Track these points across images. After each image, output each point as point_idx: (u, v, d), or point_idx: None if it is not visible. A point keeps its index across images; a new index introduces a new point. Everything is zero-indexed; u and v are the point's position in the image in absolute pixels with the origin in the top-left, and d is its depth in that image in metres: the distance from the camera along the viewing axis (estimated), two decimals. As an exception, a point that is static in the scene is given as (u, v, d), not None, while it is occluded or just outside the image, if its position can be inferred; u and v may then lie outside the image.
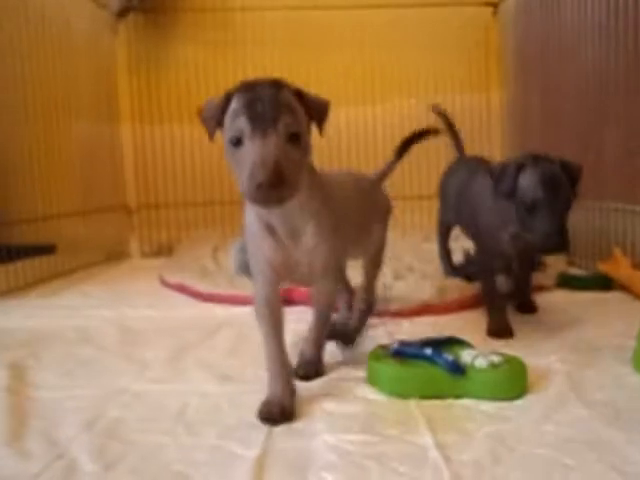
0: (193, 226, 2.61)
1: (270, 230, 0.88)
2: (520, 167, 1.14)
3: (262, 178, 0.71)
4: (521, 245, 1.24)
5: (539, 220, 1.11)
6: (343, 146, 2.64)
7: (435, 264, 1.77)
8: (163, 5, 2.55)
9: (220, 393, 0.93)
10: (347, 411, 0.86)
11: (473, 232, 1.41)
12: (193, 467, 0.70)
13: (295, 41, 2.55)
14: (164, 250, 2.51)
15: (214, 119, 0.81)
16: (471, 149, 2.68)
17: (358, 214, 1.11)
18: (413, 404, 0.87)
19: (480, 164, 1.51)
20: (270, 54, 2.53)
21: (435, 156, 2.50)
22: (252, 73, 2.50)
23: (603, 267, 1.74)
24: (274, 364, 0.90)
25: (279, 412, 0.82)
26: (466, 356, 0.93)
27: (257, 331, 0.92)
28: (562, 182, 1.12)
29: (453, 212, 1.58)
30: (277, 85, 0.80)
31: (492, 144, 2.64)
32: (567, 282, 1.71)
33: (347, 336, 1.18)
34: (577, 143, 1.99)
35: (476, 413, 0.84)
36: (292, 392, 0.88)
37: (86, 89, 2.27)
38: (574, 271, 1.84)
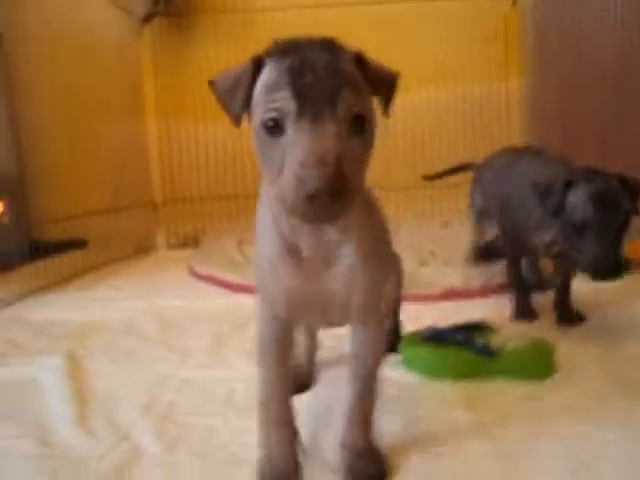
0: (217, 219, 2.66)
1: (292, 249, 0.63)
2: (569, 183, 1.04)
3: (318, 185, 0.49)
4: (557, 255, 1.16)
5: (589, 243, 1.00)
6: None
7: (456, 250, 1.80)
8: (185, 8, 2.60)
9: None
10: (387, 394, 0.86)
11: (504, 222, 1.34)
12: (246, 449, 0.74)
13: None
14: (190, 242, 2.55)
15: (240, 94, 0.58)
16: (490, 137, 2.73)
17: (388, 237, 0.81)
18: (448, 385, 0.91)
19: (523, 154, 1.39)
20: None
21: (452, 146, 2.54)
22: None
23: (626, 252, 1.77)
24: (278, 422, 0.69)
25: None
26: (496, 340, 0.97)
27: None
28: (618, 200, 1.01)
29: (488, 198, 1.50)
30: (332, 47, 0.57)
31: (511, 132, 2.66)
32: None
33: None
34: (595, 132, 2.01)
35: (510, 393, 0.88)
36: (296, 465, 0.68)
37: (114, 91, 2.31)
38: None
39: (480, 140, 2.59)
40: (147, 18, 2.56)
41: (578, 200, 1.01)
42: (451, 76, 2.64)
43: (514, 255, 1.32)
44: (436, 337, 1.00)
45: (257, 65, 0.58)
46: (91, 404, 0.90)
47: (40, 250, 1.82)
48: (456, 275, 1.56)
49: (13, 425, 0.84)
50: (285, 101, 0.52)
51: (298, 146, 0.50)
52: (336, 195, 0.49)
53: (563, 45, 2.20)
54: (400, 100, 2.41)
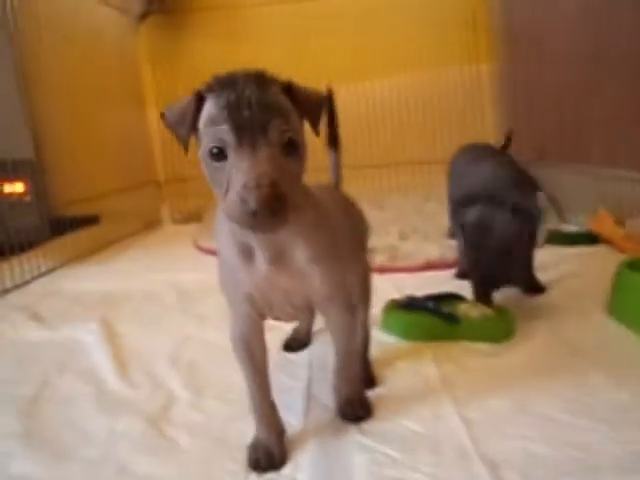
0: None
1: (247, 253, 0.71)
2: (465, 205, 1.21)
3: (258, 204, 0.57)
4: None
5: (477, 257, 1.19)
6: (345, 119, 2.85)
7: (437, 224, 1.97)
8: (177, 6, 2.82)
9: (270, 338, 1.18)
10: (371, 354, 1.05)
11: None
12: (236, 426, 0.86)
13: (299, 29, 2.76)
14: (193, 217, 2.74)
15: (186, 124, 0.66)
16: (463, 118, 2.90)
17: (349, 236, 0.89)
18: (420, 346, 1.09)
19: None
20: (275, 43, 2.76)
21: (435, 123, 2.72)
22: (258, 60, 2.72)
23: (589, 224, 1.96)
24: (258, 405, 0.79)
25: (265, 459, 0.74)
26: (462, 308, 1.16)
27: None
28: (495, 227, 1.15)
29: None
30: (264, 81, 0.64)
31: (484, 113, 2.85)
32: (556, 239, 1.91)
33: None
34: (557, 110, 2.18)
35: (471, 352, 1.05)
36: (280, 433, 0.78)
37: (116, 82, 2.49)
38: (566, 228, 2.03)
39: (455, 116, 2.81)
40: (143, 16, 2.78)
41: (468, 221, 1.19)
42: (426, 60, 2.82)
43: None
44: (411, 305, 1.18)
45: (199, 99, 0.65)
46: (128, 360, 1.10)
47: (59, 226, 2.01)
48: (434, 249, 1.74)
49: (74, 376, 1.04)
50: (225, 133, 0.60)
51: (239, 171, 0.59)
52: (273, 211, 0.57)
53: (529, 31, 2.35)
54: (382, 83, 2.67)
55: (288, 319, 0.84)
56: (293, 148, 0.62)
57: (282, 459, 0.74)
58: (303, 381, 0.98)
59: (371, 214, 2.28)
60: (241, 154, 0.59)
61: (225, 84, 0.63)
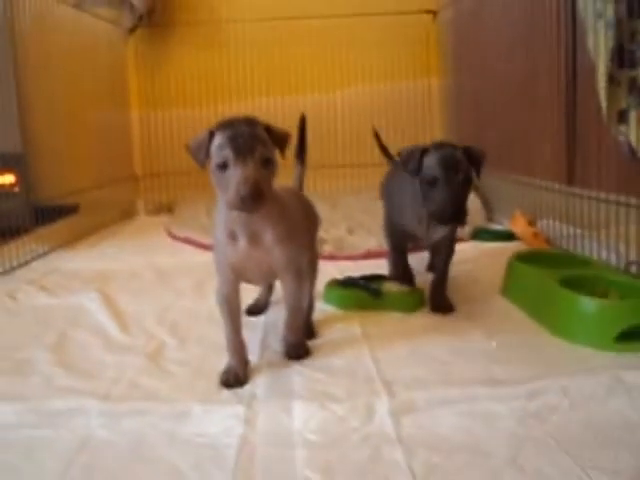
0: (187, 190, 3.13)
1: (233, 236, 1.04)
2: (424, 151, 1.31)
3: (245, 192, 0.91)
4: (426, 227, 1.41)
5: (437, 193, 1.27)
6: (310, 124, 3.18)
7: (380, 221, 2.27)
8: (163, 21, 3.11)
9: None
10: (314, 317, 1.36)
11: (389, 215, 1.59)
12: (213, 360, 1.16)
13: (271, 44, 3.08)
14: (164, 209, 3.05)
15: (203, 151, 0.97)
16: (415, 125, 3.26)
17: (303, 226, 1.20)
18: (352, 313, 1.42)
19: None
20: (249, 55, 3.10)
21: (389, 131, 3.07)
22: (234, 71, 3.07)
23: (508, 224, 2.34)
24: (232, 343, 1.10)
25: (234, 379, 1.05)
26: (386, 285, 1.50)
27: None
28: (458, 163, 1.27)
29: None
30: (251, 122, 0.98)
31: (433, 122, 3.22)
32: (479, 235, 2.28)
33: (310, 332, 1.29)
34: (493, 124, 2.52)
35: (391, 318, 1.39)
36: (245, 363, 1.10)
37: (103, 86, 2.73)
38: (493, 226, 2.39)
39: (407, 126, 3.15)
40: (132, 29, 3.07)
41: (430, 163, 1.29)
42: (383, 75, 3.18)
43: (398, 245, 1.57)
44: (347, 283, 1.52)
45: (211, 134, 0.98)
46: (125, 320, 1.41)
47: (42, 214, 2.19)
48: (374, 241, 2.08)
49: (85, 330, 1.35)
50: (228, 154, 0.93)
51: (235, 175, 0.93)
52: (255, 198, 0.91)
53: (473, 51, 2.69)
54: (343, 93, 3.05)
55: (258, 282, 1.24)
56: (268, 164, 0.97)
57: (245, 380, 1.07)
58: (259, 334, 1.31)
59: (324, 211, 2.67)
60: (237, 166, 0.93)
61: (227, 124, 0.97)
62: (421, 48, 3.15)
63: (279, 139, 1.03)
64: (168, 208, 3.03)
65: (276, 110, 3.03)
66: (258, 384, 1.08)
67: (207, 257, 2.01)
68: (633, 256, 1.55)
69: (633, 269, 1.53)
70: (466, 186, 1.29)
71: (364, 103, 3.19)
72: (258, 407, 0.98)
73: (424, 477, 0.78)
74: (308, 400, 1.00)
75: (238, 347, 1.11)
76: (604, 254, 1.67)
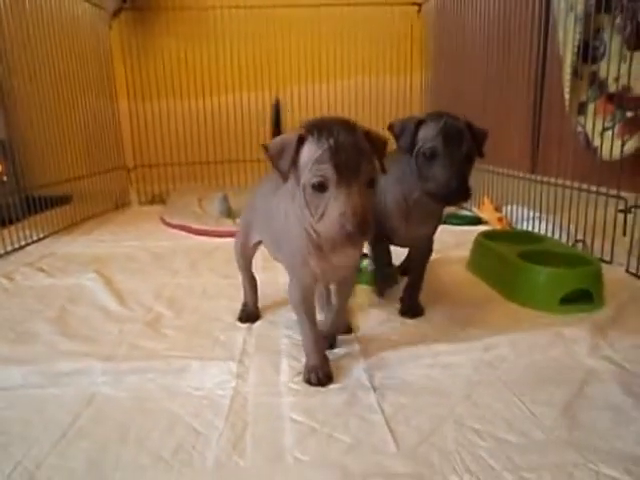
0: (178, 181, 3.21)
1: (320, 249, 0.90)
2: (420, 123, 1.11)
3: (354, 229, 0.73)
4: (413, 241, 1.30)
5: (438, 168, 1.07)
6: (295, 116, 3.24)
7: None
8: (148, 5, 3.09)
9: (224, 283, 1.58)
10: None
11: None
12: (221, 314, 1.33)
13: (256, 33, 3.10)
14: (157, 199, 3.10)
15: (287, 160, 0.80)
16: (397, 117, 3.31)
17: None
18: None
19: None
20: (236, 46, 3.11)
21: (371, 124, 3.15)
22: (221, 58, 3.10)
23: (476, 209, 2.46)
24: (312, 341, 1.01)
25: (323, 377, 0.97)
26: (364, 263, 1.60)
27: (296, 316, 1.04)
28: (462, 134, 1.08)
29: None
30: (352, 129, 0.80)
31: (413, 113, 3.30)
32: (448, 220, 2.39)
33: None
34: (478, 116, 2.62)
35: (367, 292, 1.49)
36: (327, 360, 1.01)
37: (90, 74, 2.71)
38: (462, 212, 2.51)
39: (389, 119, 3.22)
40: (116, 13, 3.01)
41: (428, 134, 1.08)
42: (367, 68, 3.24)
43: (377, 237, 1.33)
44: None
45: (300, 139, 0.80)
46: (124, 296, 1.48)
47: (34, 204, 2.22)
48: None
49: (85, 306, 1.41)
50: (328, 171, 0.76)
51: (338, 202, 0.75)
52: (363, 233, 0.74)
53: (455, 45, 2.76)
54: (328, 86, 3.14)
55: (332, 282, 1.09)
56: (372, 184, 0.80)
57: (329, 378, 0.99)
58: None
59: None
60: (339, 188, 0.76)
61: (323, 130, 0.78)
62: (405, 42, 3.22)
63: (379, 148, 0.85)
64: (160, 198, 3.09)
65: (264, 102, 3.09)
66: (249, 344, 1.16)
67: (200, 241, 2.14)
68: (580, 235, 1.68)
69: (579, 246, 1.65)
70: (469, 162, 1.10)
71: (349, 96, 3.26)
72: (249, 363, 1.07)
73: (393, 414, 0.88)
74: (294, 358, 1.08)
75: (320, 344, 1.02)
76: (557, 233, 1.79)
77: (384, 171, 0.85)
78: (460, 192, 1.05)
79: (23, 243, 2.07)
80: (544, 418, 0.86)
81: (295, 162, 0.81)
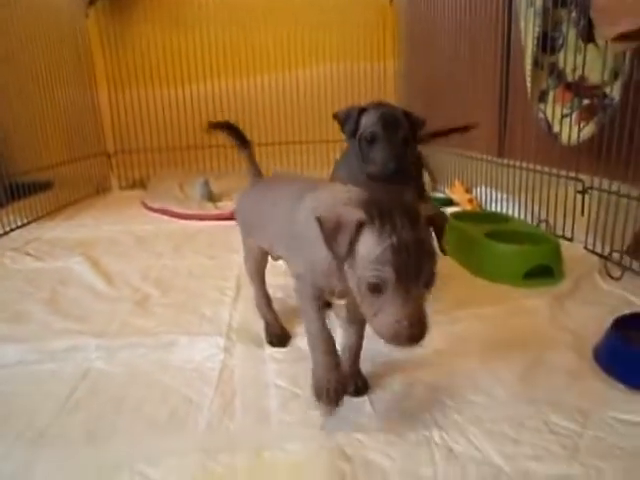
0: (158, 166, 3.22)
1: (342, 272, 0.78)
2: (362, 111, 1.22)
3: (411, 339, 0.67)
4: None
5: (377, 150, 1.18)
6: (272, 102, 3.29)
7: None
8: None
9: (209, 264, 1.63)
10: None
11: None
12: (208, 292, 1.38)
13: (233, 20, 3.11)
14: (137, 184, 3.12)
15: (345, 246, 0.71)
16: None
17: None
18: None
19: None
20: (214, 34, 3.12)
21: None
22: (199, 46, 3.11)
23: (447, 191, 2.53)
24: (324, 358, 0.84)
25: (333, 393, 0.82)
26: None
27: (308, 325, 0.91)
28: (399, 121, 1.19)
29: None
30: (415, 218, 0.70)
31: (387, 99, 3.35)
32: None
33: None
34: (441, 103, 2.69)
35: None
36: (344, 378, 0.86)
37: (69, 62, 2.71)
38: (434, 194, 2.58)
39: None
40: (92, 1, 2.99)
41: (369, 120, 1.19)
42: (342, 56, 3.27)
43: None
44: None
45: (359, 225, 0.70)
46: (111, 278, 1.51)
47: (18, 191, 2.20)
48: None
49: (75, 287, 1.45)
50: (387, 274, 0.67)
51: (394, 307, 0.67)
52: (419, 340, 0.67)
53: (426, 33, 2.82)
54: (302, 72, 3.18)
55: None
56: (432, 284, 0.71)
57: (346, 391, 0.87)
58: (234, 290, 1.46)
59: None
60: (397, 292, 0.67)
61: (385, 220, 0.69)
62: (379, 31, 3.26)
63: (440, 229, 0.77)
64: (141, 183, 3.10)
65: (242, 90, 3.12)
66: (235, 320, 1.22)
67: (183, 225, 2.18)
68: (543, 215, 1.76)
69: (543, 225, 1.73)
70: (406, 146, 1.19)
71: (324, 81, 3.29)
72: (235, 338, 1.12)
73: (369, 377, 0.94)
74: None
75: (332, 358, 0.86)
76: (522, 214, 1.87)
77: (444, 252, 0.78)
78: (397, 172, 1.15)
79: (8, 229, 2.08)
80: (506, 380, 0.93)
81: (352, 246, 0.71)
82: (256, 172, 1.22)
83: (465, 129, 1.59)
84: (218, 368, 1.01)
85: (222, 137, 1.23)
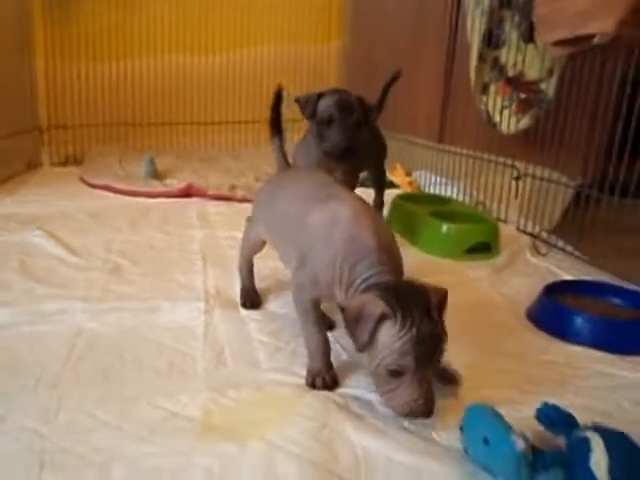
0: (94, 142, 3.27)
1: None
2: (320, 95, 1.45)
3: (426, 415, 0.81)
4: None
5: (332, 131, 1.41)
6: (214, 81, 3.42)
7: None
8: None
9: (168, 239, 1.77)
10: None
11: None
12: (177, 263, 1.53)
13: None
14: (71, 160, 3.16)
15: (367, 335, 0.82)
16: (314, 83, 3.58)
17: None
18: None
19: None
20: (159, 6, 3.24)
21: (289, 90, 3.36)
22: (144, 21, 3.18)
23: (388, 174, 2.77)
24: (316, 345, 0.99)
25: (330, 381, 0.96)
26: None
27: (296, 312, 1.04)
28: (353, 106, 1.43)
29: None
30: (429, 307, 0.83)
31: (330, 83, 3.54)
32: (364, 183, 2.67)
33: None
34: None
35: None
36: (331, 365, 0.99)
37: (6, 32, 2.71)
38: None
39: (306, 85, 3.45)
40: None
41: (326, 104, 1.43)
42: (287, 38, 3.45)
43: None
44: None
45: (381, 318, 0.81)
46: (76, 249, 1.62)
47: None
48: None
49: (42, 258, 1.55)
50: (408, 362, 0.80)
51: (411, 389, 0.81)
52: (430, 415, 0.82)
53: (370, 17, 3.04)
54: (250, 53, 3.35)
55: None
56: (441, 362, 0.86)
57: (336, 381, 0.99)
58: (200, 261, 1.62)
59: (230, 163, 2.95)
60: (415, 377, 0.81)
61: (405, 314, 0.80)
62: (324, 13, 3.47)
63: (443, 305, 0.88)
64: (75, 159, 3.14)
65: (184, 68, 3.22)
66: (210, 286, 1.39)
67: (131, 201, 2.29)
68: (481, 198, 2.03)
69: (480, 207, 2.01)
70: (358, 128, 1.43)
71: (267, 63, 3.47)
72: (213, 302, 1.29)
73: (340, 332, 1.14)
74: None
75: (326, 347, 1.01)
76: (460, 197, 2.14)
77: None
78: (349, 152, 1.39)
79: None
80: (454, 335, 1.15)
81: (373, 336, 0.82)
82: (284, 162, 1.30)
83: (395, 79, 1.83)
84: (203, 326, 1.18)
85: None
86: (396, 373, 0.81)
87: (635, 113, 1.39)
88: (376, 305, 0.82)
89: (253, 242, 1.27)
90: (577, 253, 1.62)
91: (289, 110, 3.19)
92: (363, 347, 0.83)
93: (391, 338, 0.81)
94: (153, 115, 3.29)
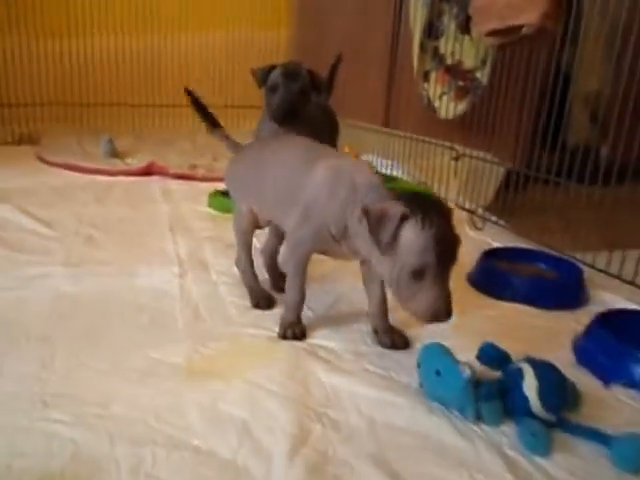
0: (49, 121, 3.21)
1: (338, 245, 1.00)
2: (272, 67, 1.50)
3: (448, 314, 0.84)
4: None
5: (276, 97, 1.47)
6: (166, 63, 3.41)
7: None
8: None
9: (135, 213, 1.81)
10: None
11: None
12: (147, 233, 1.59)
13: None
14: (25, 140, 3.08)
15: (389, 235, 0.84)
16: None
17: None
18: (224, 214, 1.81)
19: None
20: None
21: (241, 76, 3.39)
22: (98, 8, 3.12)
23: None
24: (297, 299, 1.06)
25: (299, 333, 1.05)
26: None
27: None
28: (298, 75, 1.48)
29: None
30: (449, 214, 0.87)
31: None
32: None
33: None
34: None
35: None
36: (300, 320, 1.08)
37: None
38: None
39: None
40: None
41: (275, 74, 1.50)
42: (238, 21, 3.47)
43: None
44: (226, 193, 1.91)
45: (403, 217, 0.84)
46: (49, 222, 1.64)
47: None
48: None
49: (15, 232, 1.56)
50: (430, 259, 0.82)
51: (434, 289, 0.83)
52: (450, 316, 0.85)
53: (316, 5, 3.11)
54: (200, 38, 3.37)
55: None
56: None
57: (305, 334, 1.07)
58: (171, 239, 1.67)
59: (188, 145, 2.96)
60: (437, 276, 0.83)
61: (425, 215, 0.83)
62: (274, 3, 3.51)
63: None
64: (30, 139, 3.07)
65: (131, 48, 3.19)
66: (182, 253, 1.46)
67: (93, 179, 2.30)
68: (423, 178, 2.16)
69: (422, 186, 2.14)
70: (302, 95, 1.47)
71: (220, 48, 3.48)
72: (187, 267, 1.36)
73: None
74: (221, 265, 1.39)
75: (302, 304, 1.09)
76: (405, 177, 2.26)
77: None
78: (292, 116, 1.45)
79: None
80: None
81: (395, 237, 0.84)
82: (234, 144, 1.30)
83: (338, 62, 1.91)
84: (178, 288, 1.25)
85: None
86: (418, 274, 0.83)
87: (555, 102, 1.53)
88: (398, 206, 0.85)
89: (246, 221, 1.21)
90: (509, 227, 1.76)
91: (222, 97, 3.27)
92: (386, 248, 0.85)
93: (413, 236, 0.83)
94: (108, 96, 3.25)
